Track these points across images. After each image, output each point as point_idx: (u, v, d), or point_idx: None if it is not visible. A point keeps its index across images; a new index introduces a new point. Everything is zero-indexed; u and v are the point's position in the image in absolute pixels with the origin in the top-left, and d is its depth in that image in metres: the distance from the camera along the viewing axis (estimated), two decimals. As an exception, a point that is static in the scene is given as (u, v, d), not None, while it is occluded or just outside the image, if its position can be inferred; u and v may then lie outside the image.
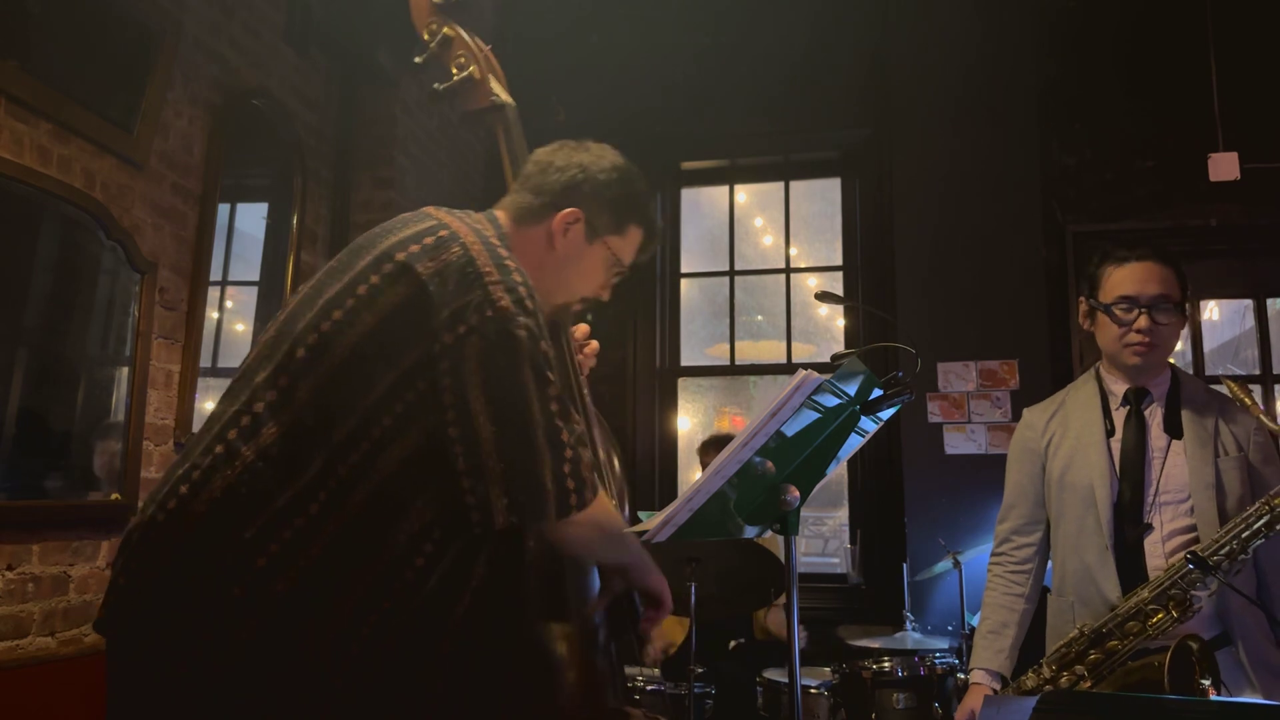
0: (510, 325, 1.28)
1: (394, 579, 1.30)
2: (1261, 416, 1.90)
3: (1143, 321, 2.01)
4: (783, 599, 3.32)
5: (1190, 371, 3.37)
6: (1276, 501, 1.82)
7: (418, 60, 1.73)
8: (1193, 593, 1.86)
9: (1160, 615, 1.88)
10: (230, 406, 1.33)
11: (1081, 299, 2.16)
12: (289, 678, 1.25)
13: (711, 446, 3.72)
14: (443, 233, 1.37)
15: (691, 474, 4.69)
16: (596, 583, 1.58)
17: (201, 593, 1.24)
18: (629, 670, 2.90)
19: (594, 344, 1.77)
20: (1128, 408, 2.08)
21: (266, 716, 1.25)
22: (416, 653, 1.33)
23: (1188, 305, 2.08)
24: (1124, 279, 2.05)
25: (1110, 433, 2.07)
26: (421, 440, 1.28)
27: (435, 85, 1.72)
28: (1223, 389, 2.03)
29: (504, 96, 1.72)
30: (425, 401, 1.28)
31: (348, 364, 1.29)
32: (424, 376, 1.28)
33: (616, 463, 1.77)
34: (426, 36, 1.72)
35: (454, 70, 1.71)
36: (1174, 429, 2.03)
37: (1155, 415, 2.06)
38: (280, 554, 1.24)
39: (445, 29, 1.72)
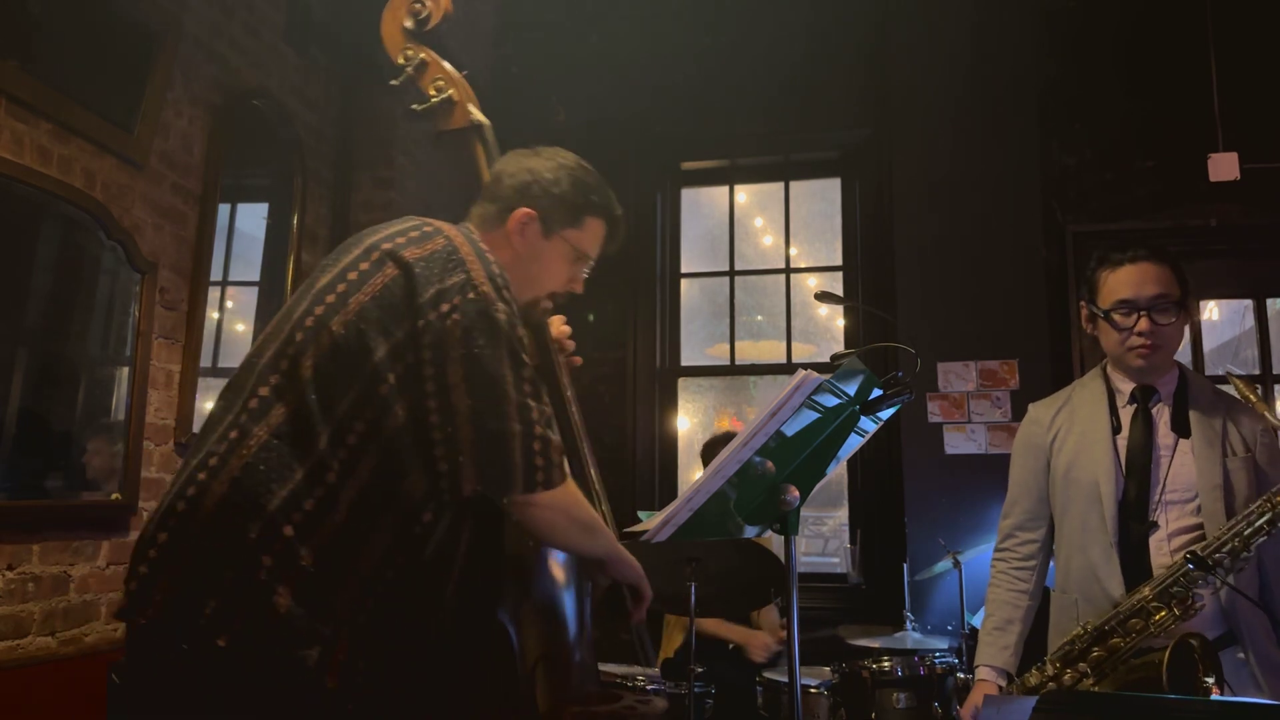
0: (490, 308, 1.39)
1: (403, 542, 1.39)
2: (1268, 416, 1.90)
3: (1143, 324, 2.00)
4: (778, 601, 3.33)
5: (1190, 371, 3.36)
6: (1278, 499, 1.82)
7: (394, 83, 1.80)
8: (1195, 591, 1.86)
9: (1163, 613, 1.87)
10: (237, 396, 1.39)
11: (1082, 304, 2.15)
12: (319, 640, 1.30)
13: (719, 443, 3.72)
14: (427, 228, 1.49)
15: (692, 474, 4.69)
16: (571, 575, 1.66)
17: (233, 566, 1.28)
18: (629, 670, 2.90)
19: (576, 359, 1.86)
20: (1134, 406, 2.07)
21: (299, 677, 1.29)
22: (424, 614, 1.43)
23: (1190, 303, 2.06)
24: (1120, 283, 2.04)
25: (1116, 430, 2.06)
26: (412, 411, 1.36)
27: (414, 106, 1.80)
28: (1230, 388, 2.03)
29: (482, 118, 1.81)
30: (410, 375, 1.36)
31: (343, 339, 1.37)
32: (412, 350, 1.37)
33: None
34: (402, 60, 1.79)
35: (432, 92, 1.79)
36: (1181, 428, 2.02)
37: (1163, 414, 2.05)
38: (305, 523, 1.31)
39: (421, 54, 1.80)
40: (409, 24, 1.80)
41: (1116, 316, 2.03)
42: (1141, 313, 2.00)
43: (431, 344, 1.35)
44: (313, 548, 1.30)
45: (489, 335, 1.37)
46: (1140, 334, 2.00)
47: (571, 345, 1.85)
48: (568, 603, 1.68)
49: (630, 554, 1.57)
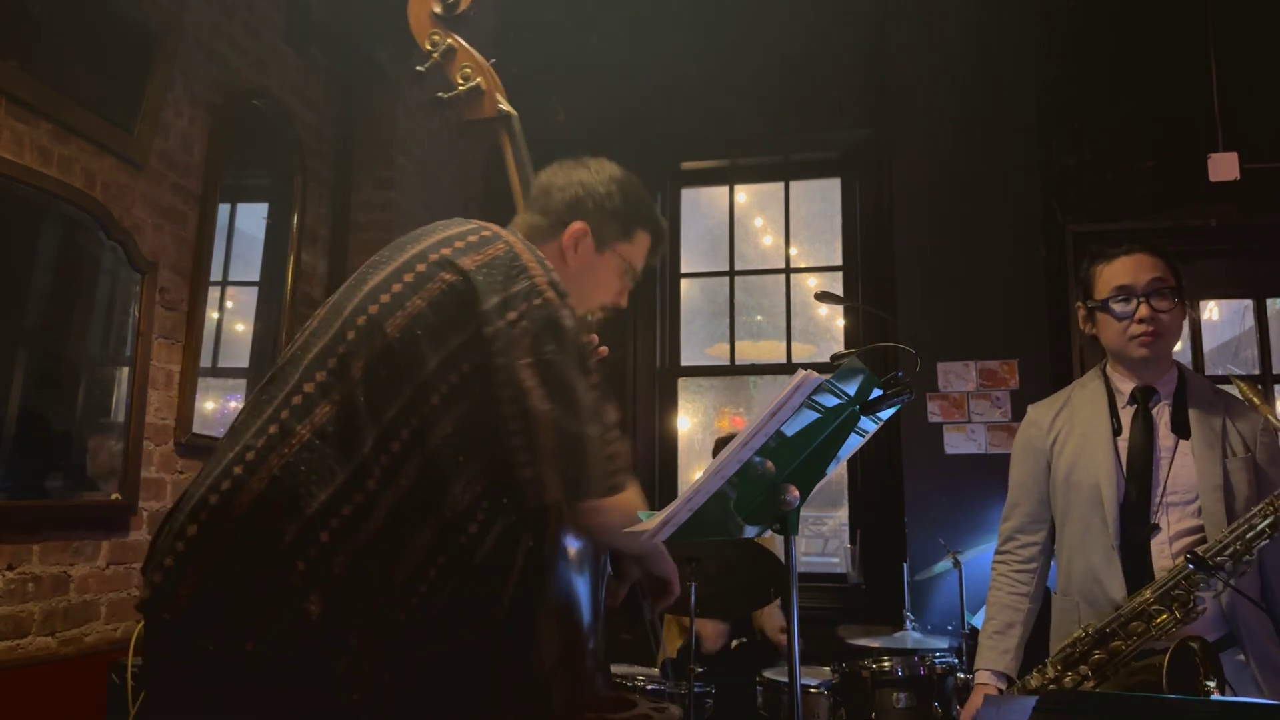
0: (556, 313, 1.37)
1: (442, 551, 1.35)
2: (1269, 416, 1.89)
3: (1143, 310, 2.00)
4: (777, 602, 3.33)
5: (1190, 371, 3.36)
6: (1280, 502, 1.81)
7: (420, 69, 1.76)
8: (1196, 594, 1.85)
9: (1164, 616, 1.87)
10: (280, 390, 1.36)
11: (1079, 304, 2.15)
12: (348, 648, 1.27)
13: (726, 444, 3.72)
14: (485, 233, 1.45)
15: (692, 474, 4.69)
16: (598, 571, 1.65)
17: (266, 568, 1.25)
18: (629, 670, 2.90)
19: (603, 349, 1.84)
20: (1134, 406, 2.06)
21: (325, 687, 1.26)
22: (462, 624, 1.38)
23: (1185, 299, 2.06)
24: (1116, 272, 2.05)
25: (1117, 431, 2.06)
26: (466, 418, 1.34)
27: (439, 94, 1.76)
28: (1231, 388, 2.02)
29: (509, 107, 1.77)
30: (469, 382, 1.34)
31: (398, 343, 1.34)
32: (468, 359, 1.34)
33: None
34: (429, 47, 1.76)
35: (459, 80, 1.75)
36: (1181, 429, 2.02)
37: (1163, 415, 2.05)
38: (342, 528, 1.27)
39: (449, 40, 1.76)
40: (437, 9, 1.76)
41: (1115, 305, 2.03)
42: (1140, 299, 2.00)
43: (503, 350, 1.32)
44: (348, 555, 1.27)
45: (558, 340, 1.35)
46: (1141, 320, 2.00)
47: (604, 352, 1.84)
48: (584, 603, 1.67)
49: (665, 550, 1.57)
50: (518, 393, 1.32)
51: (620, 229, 1.63)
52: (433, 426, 1.32)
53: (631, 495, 1.42)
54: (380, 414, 1.31)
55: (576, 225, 1.59)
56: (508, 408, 1.32)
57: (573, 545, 1.57)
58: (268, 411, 1.34)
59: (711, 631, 3.45)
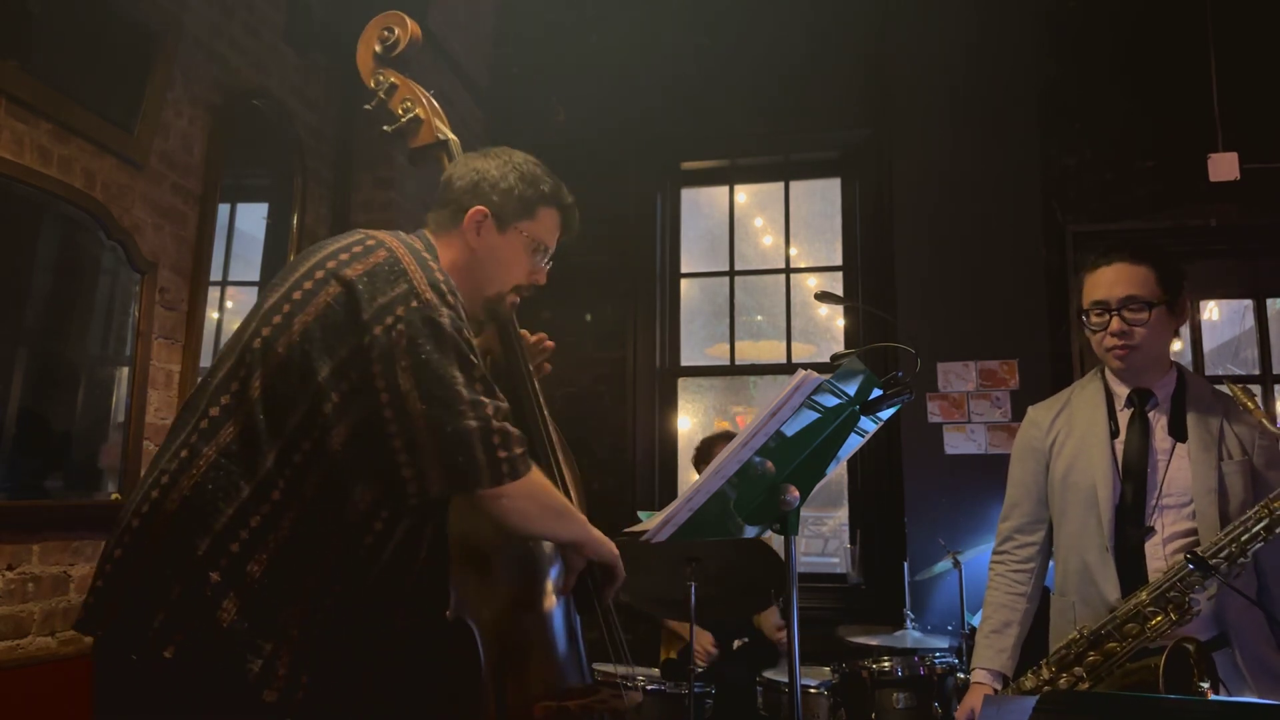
0: (433, 314, 1.41)
1: (351, 552, 1.42)
2: (1264, 420, 1.89)
3: (1115, 324, 2.01)
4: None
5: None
6: (1276, 505, 1.81)
7: (367, 108, 1.89)
8: (1191, 595, 1.86)
9: (1159, 618, 1.87)
10: (191, 416, 1.44)
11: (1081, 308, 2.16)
12: (264, 652, 1.34)
13: (710, 445, 3.71)
14: (369, 242, 1.51)
15: (691, 474, 4.69)
16: (546, 562, 1.69)
17: (181, 580, 1.32)
18: (630, 670, 2.90)
19: (543, 335, 1.92)
20: (1132, 409, 2.07)
21: (241, 689, 1.32)
22: (374, 625, 1.46)
23: (1183, 302, 2.05)
24: (1095, 284, 2.06)
25: (1114, 434, 2.07)
26: (359, 426, 1.39)
27: (385, 127, 1.87)
28: (1226, 391, 2.03)
29: (449, 133, 1.86)
30: (358, 390, 1.39)
31: (289, 359, 1.40)
32: (356, 367, 1.39)
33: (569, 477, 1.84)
34: (374, 84, 1.88)
35: (400, 112, 1.86)
36: (1179, 431, 2.02)
37: (1160, 417, 2.05)
38: (251, 539, 1.35)
39: (392, 77, 1.88)
40: (378, 49, 1.89)
41: (1092, 317, 2.06)
42: (1113, 313, 2.02)
43: (380, 356, 1.37)
44: (260, 563, 1.34)
45: (435, 340, 1.39)
46: (1113, 334, 2.01)
47: (550, 346, 1.90)
48: (539, 595, 1.69)
49: (602, 534, 1.61)
50: (394, 396, 1.37)
51: (520, 208, 1.66)
52: (330, 433, 1.38)
53: (533, 480, 1.46)
54: (281, 428, 1.38)
55: (475, 209, 1.63)
56: (386, 411, 1.37)
57: (503, 542, 1.60)
58: (180, 437, 1.42)
59: (706, 641, 3.42)
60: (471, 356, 1.43)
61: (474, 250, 1.64)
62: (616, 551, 1.62)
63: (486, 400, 1.41)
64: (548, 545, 1.70)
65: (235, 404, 1.40)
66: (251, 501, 1.35)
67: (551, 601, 1.72)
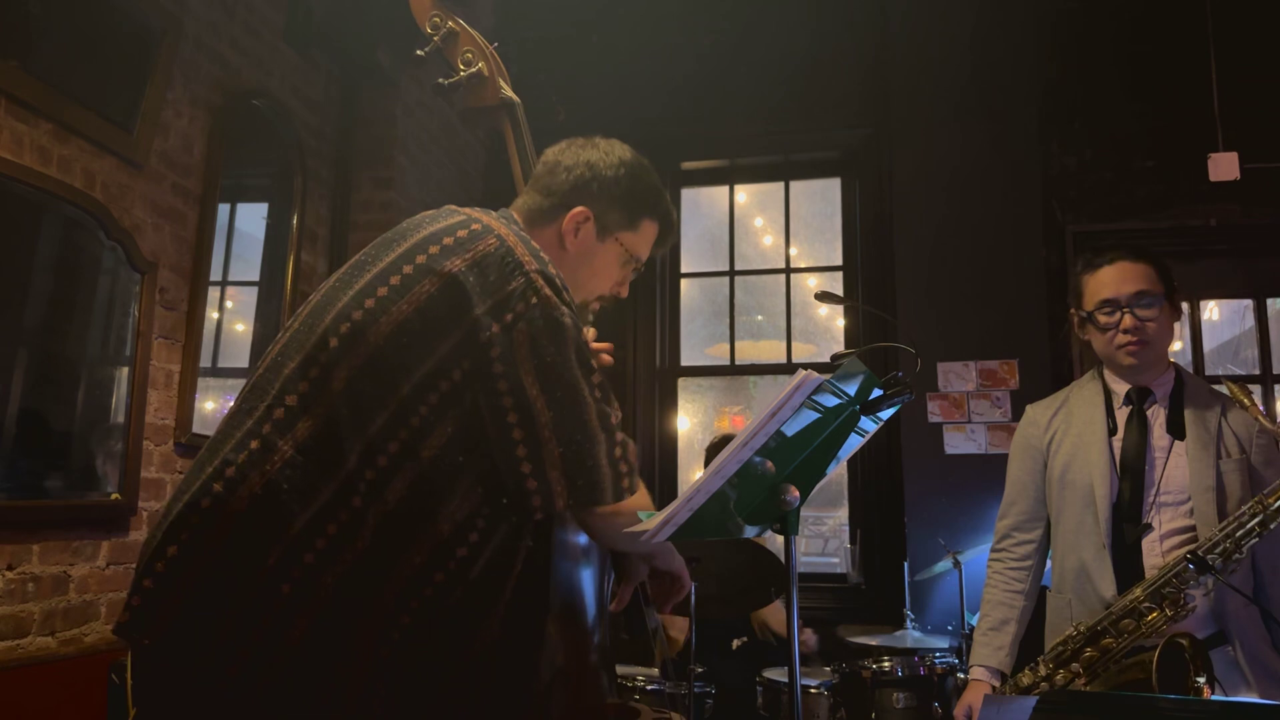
0: (555, 312, 1.29)
1: (439, 566, 1.27)
2: (1261, 418, 1.90)
3: (1127, 321, 2.02)
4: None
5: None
6: (1270, 500, 1.83)
7: (420, 53, 1.69)
8: (1186, 592, 1.87)
9: (1155, 614, 1.88)
10: (260, 400, 1.29)
11: (1071, 311, 2.17)
12: (335, 672, 1.22)
13: (724, 443, 3.71)
14: (475, 226, 1.36)
15: (692, 474, 4.69)
16: (595, 578, 1.58)
17: (248, 591, 1.20)
18: (629, 670, 2.90)
19: (607, 356, 1.73)
20: (1130, 407, 2.08)
21: (311, 712, 1.22)
22: (460, 640, 1.31)
23: (1178, 300, 2.08)
24: (1101, 283, 2.07)
25: (1112, 431, 2.08)
26: (460, 427, 1.27)
27: (440, 80, 1.68)
28: (1224, 390, 2.03)
29: (512, 94, 1.69)
30: (460, 390, 1.27)
31: (382, 352, 1.27)
32: (459, 365, 1.26)
33: None
34: (430, 30, 1.68)
35: (460, 66, 1.67)
36: (1177, 429, 2.03)
37: (1158, 415, 2.06)
38: (327, 549, 1.22)
39: (450, 23, 1.69)
40: None
41: (1101, 317, 2.06)
42: (1124, 310, 2.02)
43: (502, 356, 1.25)
44: (335, 575, 1.21)
45: (558, 340, 1.27)
46: (1125, 331, 2.02)
47: (608, 361, 1.70)
48: (589, 601, 1.63)
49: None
50: (520, 400, 1.25)
51: (625, 217, 1.53)
52: (424, 438, 1.26)
53: (641, 498, 1.36)
54: (365, 427, 1.25)
55: (579, 209, 1.50)
56: (510, 416, 1.26)
57: (577, 542, 1.49)
58: (248, 424, 1.27)
59: (679, 626, 3.40)
60: (591, 360, 1.32)
61: (567, 250, 1.50)
62: (683, 562, 1.55)
63: (609, 409, 1.31)
64: (600, 554, 1.59)
65: (315, 393, 1.26)
66: (330, 507, 1.22)
67: (602, 608, 1.64)
